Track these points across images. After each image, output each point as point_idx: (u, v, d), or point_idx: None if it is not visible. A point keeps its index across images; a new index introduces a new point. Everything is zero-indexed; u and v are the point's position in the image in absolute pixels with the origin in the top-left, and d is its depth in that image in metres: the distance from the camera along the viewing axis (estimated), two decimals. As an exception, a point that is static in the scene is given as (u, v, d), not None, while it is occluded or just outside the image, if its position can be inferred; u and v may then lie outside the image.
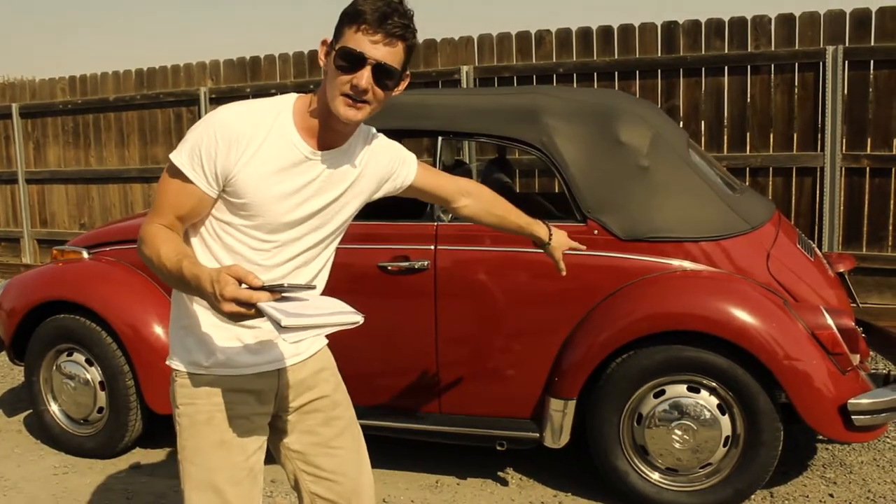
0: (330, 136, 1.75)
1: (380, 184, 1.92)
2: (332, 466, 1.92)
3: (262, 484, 1.86)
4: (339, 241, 1.92)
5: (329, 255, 1.90)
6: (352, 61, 1.64)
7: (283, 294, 1.46)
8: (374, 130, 1.91)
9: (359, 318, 1.47)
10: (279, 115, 1.73)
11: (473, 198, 2.10)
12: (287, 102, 1.76)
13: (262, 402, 1.83)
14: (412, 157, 1.99)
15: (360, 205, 1.89)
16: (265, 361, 1.82)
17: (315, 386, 1.91)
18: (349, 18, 1.65)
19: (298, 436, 1.91)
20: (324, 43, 1.71)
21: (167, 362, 1.85)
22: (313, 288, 1.46)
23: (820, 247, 5.37)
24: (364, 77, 1.63)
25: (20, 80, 9.97)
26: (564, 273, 2.28)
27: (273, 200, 1.71)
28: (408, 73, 1.76)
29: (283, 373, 1.86)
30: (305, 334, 1.41)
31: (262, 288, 1.44)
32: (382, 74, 1.65)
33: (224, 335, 1.77)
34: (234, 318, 1.45)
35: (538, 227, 2.24)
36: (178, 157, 1.69)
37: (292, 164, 1.71)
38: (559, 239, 2.29)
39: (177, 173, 1.69)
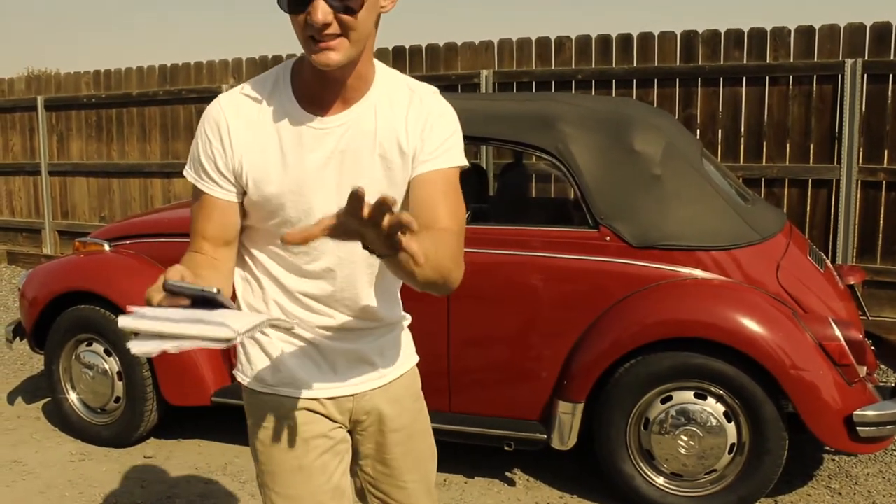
0: (332, 95, 1.47)
1: (405, 157, 1.51)
2: (401, 498, 1.74)
3: (351, 498, 1.69)
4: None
5: None
6: None
7: (195, 296, 1.23)
8: (428, 91, 1.56)
9: (230, 336, 1.16)
10: (276, 85, 1.51)
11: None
12: (285, 70, 1.52)
13: (336, 421, 1.63)
14: (451, 154, 1.53)
15: (402, 180, 1.52)
16: (341, 385, 1.61)
17: (395, 415, 1.68)
18: None
19: (372, 462, 1.71)
20: None
21: (234, 372, 1.68)
22: (213, 292, 1.21)
23: (834, 259, 5.38)
24: (319, 9, 1.32)
25: (45, 74, 10.12)
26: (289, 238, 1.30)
27: (288, 187, 1.48)
28: None
29: (360, 398, 1.64)
30: (151, 345, 1.16)
31: (166, 286, 1.23)
32: None
33: (293, 351, 1.59)
34: None
35: None
36: (187, 170, 1.56)
37: (299, 141, 1.48)
38: None
39: (193, 190, 1.55)
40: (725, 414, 3.05)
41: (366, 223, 1.11)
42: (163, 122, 7.96)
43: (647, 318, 3.07)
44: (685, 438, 3.07)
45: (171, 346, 1.17)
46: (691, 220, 3.16)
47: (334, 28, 1.35)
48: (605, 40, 5.97)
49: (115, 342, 3.78)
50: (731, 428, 3.05)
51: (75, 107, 8.51)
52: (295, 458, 1.59)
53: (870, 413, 2.97)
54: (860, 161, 5.32)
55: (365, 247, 1.19)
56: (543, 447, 3.25)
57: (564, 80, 6.06)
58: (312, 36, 1.36)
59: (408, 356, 1.73)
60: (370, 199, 1.38)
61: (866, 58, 5.25)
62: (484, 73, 6.30)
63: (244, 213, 1.55)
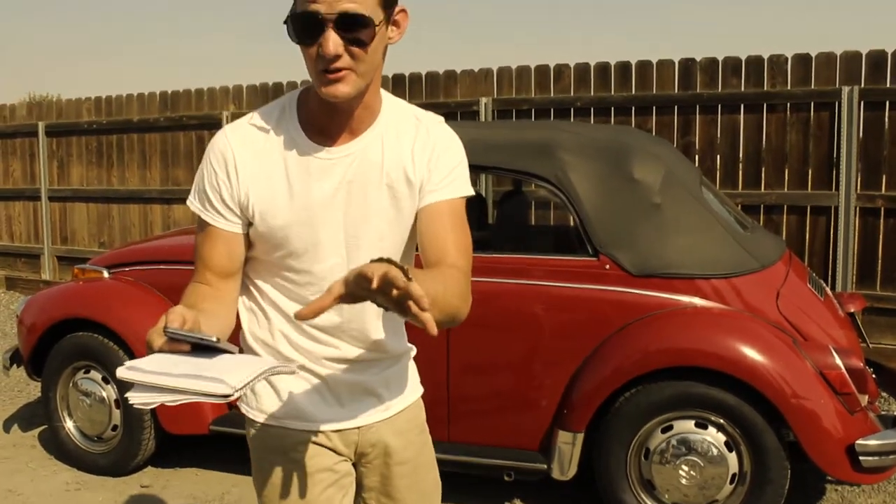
0: (339, 126, 1.48)
1: (413, 187, 1.51)
2: None
3: None
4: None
5: None
6: (309, 27, 1.35)
7: (195, 343, 1.23)
8: (434, 121, 1.57)
9: (227, 392, 1.16)
10: (282, 116, 1.51)
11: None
12: (291, 100, 1.53)
13: (341, 454, 1.62)
14: (457, 184, 1.53)
15: (410, 210, 1.53)
16: (347, 417, 1.59)
17: (400, 448, 1.66)
18: None
19: (376, 495, 1.69)
20: (285, 24, 1.41)
21: (238, 403, 1.61)
22: (212, 340, 1.22)
23: (833, 286, 5.37)
24: (329, 40, 1.33)
25: (47, 100, 10.17)
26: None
27: (295, 218, 1.48)
28: (401, 8, 1.44)
29: (366, 431, 1.62)
30: (148, 396, 1.17)
31: (166, 332, 1.23)
32: (350, 27, 1.34)
33: (298, 383, 1.58)
34: None
35: None
36: (191, 200, 1.54)
37: (306, 172, 1.47)
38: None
39: (197, 220, 1.55)
40: (726, 443, 3.04)
41: (375, 293, 1.12)
42: (163, 148, 7.99)
43: (647, 347, 3.07)
44: (686, 468, 3.05)
45: (168, 399, 1.16)
46: (691, 248, 3.16)
47: (345, 60, 1.36)
48: (603, 68, 6.01)
49: (113, 370, 3.76)
50: (732, 457, 3.03)
51: (76, 133, 8.54)
52: (299, 492, 1.58)
53: (872, 442, 2.96)
54: (858, 188, 5.33)
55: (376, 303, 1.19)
56: (543, 477, 3.23)
57: (563, 107, 6.09)
58: (323, 69, 1.37)
59: (413, 388, 1.72)
60: (376, 229, 1.47)
61: (863, 85, 5.28)
62: (483, 100, 6.33)
63: (249, 245, 1.54)
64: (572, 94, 6.10)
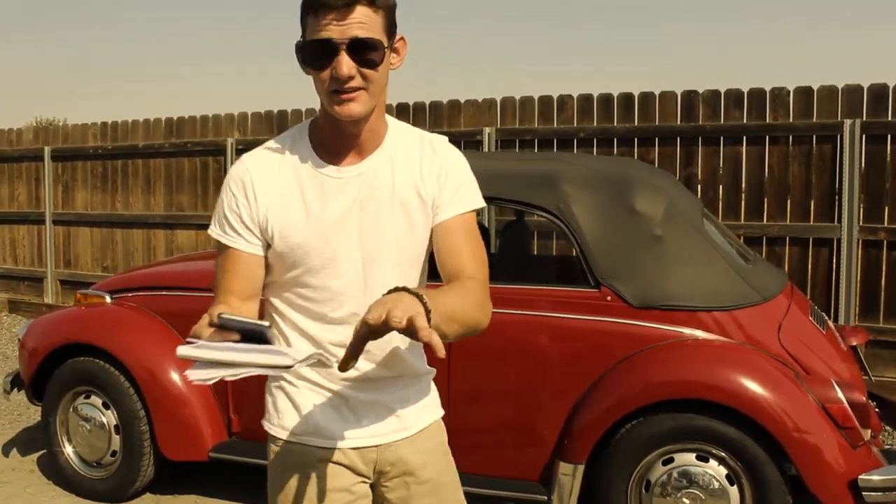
0: (348, 147, 1.57)
1: (425, 203, 1.59)
2: None
3: None
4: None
5: None
6: (322, 52, 1.45)
7: (246, 330, 1.29)
8: (439, 141, 1.66)
9: (289, 363, 1.24)
10: (294, 142, 1.59)
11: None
12: (302, 128, 1.62)
13: (359, 473, 1.64)
14: (467, 198, 1.62)
15: (423, 226, 1.60)
16: (366, 435, 1.62)
17: (421, 466, 1.67)
18: (304, 8, 1.47)
19: None
20: (296, 51, 1.51)
21: (262, 421, 1.68)
22: (266, 326, 1.29)
23: (836, 319, 5.37)
24: (343, 63, 1.43)
25: (53, 124, 10.23)
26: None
27: (312, 236, 1.54)
28: (400, 36, 1.54)
29: (385, 449, 1.64)
30: (209, 372, 1.23)
31: (220, 318, 1.30)
32: (361, 51, 1.44)
33: (320, 401, 1.61)
34: None
35: None
36: (212, 229, 1.60)
37: (321, 192, 1.55)
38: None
39: (217, 245, 1.60)
40: (728, 477, 3.02)
41: (389, 330, 1.23)
42: (167, 173, 8.04)
43: (648, 379, 3.06)
44: (687, 501, 3.03)
45: (228, 374, 1.22)
46: (692, 280, 3.17)
47: (356, 81, 1.45)
48: (606, 99, 6.06)
49: (114, 395, 3.76)
50: (733, 491, 3.01)
51: (81, 157, 8.60)
52: None
53: (875, 478, 2.93)
54: (861, 220, 5.35)
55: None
56: (544, 508, 3.21)
57: (566, 137, 6.13)
58: (336, 89, 1.46)
59: (433, 408, 1.74)
60: (391, 245, 1.56)
61: (864, 118, 5.31)
62: (487, 130, 6.37)
63: (268, 268, 1.60)
64: (575, 124, 6.14)
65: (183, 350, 1.24)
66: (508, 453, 3.27)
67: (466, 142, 6.42)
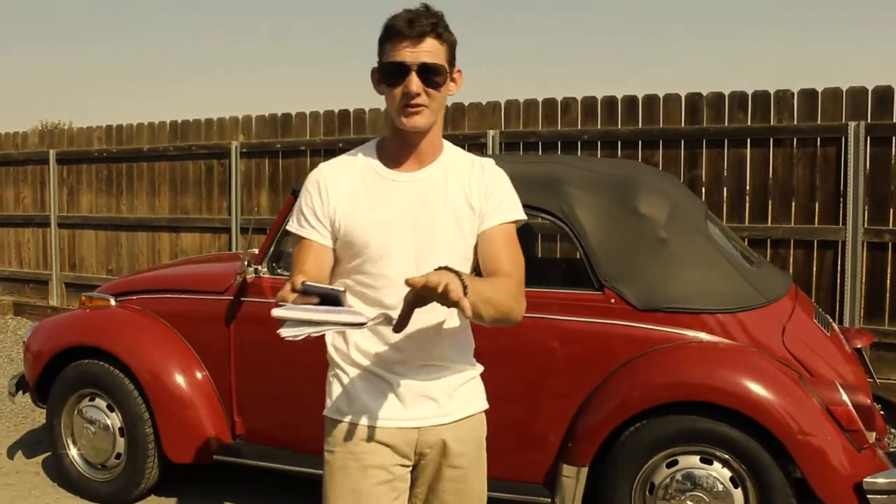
0: (410, 156, 1.85)
1: (473, 211, 1.85)
2: None
3: None
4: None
5: None
6: (396, 73, 1.75)
7: (325, 295, 1.52)
8: (487, 162, 1.93)
9: (363, 321, 1.50)
10: (364, 153, 1.89)
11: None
12: (373, 142, 1.92)
13: (401, 454, 1.85)
14: (510, 209, 1.89)
15: (470, 230, 1.85)
16: (407, 417, 1.84)
17: (455, 454, 1.89)
18: (384, 37, 1.78)
19: (426, 491, 1.92)
20: (373, 72, 1.83)
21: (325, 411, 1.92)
22: (341, 291, 1.52)
23: (841, 321, 5.35)
24: (413, 82, 1.74)
25: (58, 128, 10.25)
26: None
27: (369, 227, 1.80)
28: (458, 69, 1.84)
29: (425, 432, 1.86)
30: (298, 330, 1.47)
31: (303, 285, 1.53)
32: (428, 74, 1.74)
33: (366, 385, 1.85)
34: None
35: None
36: (291, 224, 1.87)
37: (382, 192, 1.83)
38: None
39: (295, 240, 1.87)
40: (732, 479, 3.01)
41: (436, 296, 1.49)
42: (172, 177, 8.05)
43: (652, 382, 3.05)
44: (691, 504, 3.03)
45: (314, 331, 1.47)
46: (696, 283, 3.16)
47: (422, 98, 1.75)
48: (610, 102, 6.05)
49: (118, 398, 3.77)
50: (737, 494, 3.01)
51: (86, 161, 8.62)
52: (352, 482, 1.82)
53: (880, 480, 2.92)
54: (865, 222, 5.34)
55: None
56: (548, 511, 3.20)
57: (570, 140, 6.13)
58: (405, 104, 1.75)
59: (474, 402, 1.96)
60: (441, 241, 1.81)
61: (869, 120, 5.30)
62: (491, 133, 6.37)
63: (336, 260, 1.85)
64: (579, 127, 6.14)
65: (277, 311, 1.46)
66: (512, 455, 3.27)
67: (470, 144, 6.42)
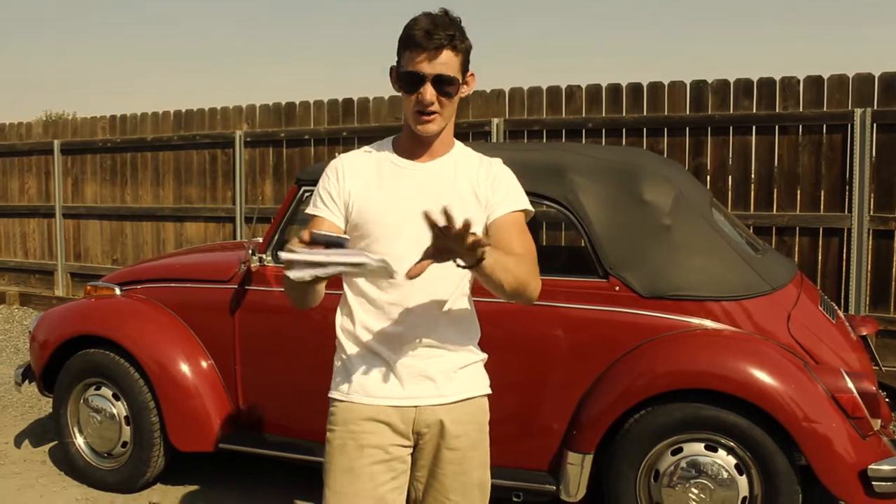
0: (423, 150, 1.97)
1: (479, 201, 1.96)
2: None
3: None
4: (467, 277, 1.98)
5: (456, 280, 1.94)
6: (412, 82, 1.87)
7: (331, 242, 1.61)
8: (495, 160, 2.04)
9: (364, 261, 1.57)
10: (381, 146, 2.03)
11: None
12: (389, 138, 2.06)
13: (399, 433, 1.91)
14: (517, 200, 2.00)
15: (475, 217, 1.86)
16: (405, 396, 1.91)
17: (453, 435, 1.95)
18: (402, 44, 1.89)
19: (426, 474, 1.97)
20: (391, 71, 1.95)
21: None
22: (346, 239, 1.62)
23: (846, 308, 5.34)
24: (427, 92, 1.85)
25: (63, 118, 10.26)
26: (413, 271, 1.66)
27: (383, 210, 1.91)
28: (471, 72, 1.95)
29: (422, 411, 1.92)
30: (304, 272, 1.55)
31: (312, 234, 1.63)
32: (442, 84, 1.86)
33: (365, 365, 1.93)
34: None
35: None
36: (309, 208, 1.99)
37: (394, 178, 1.95)
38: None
39: (310, 220, 1.96)
40: (737, 466, 3.01)
41: (454, 237, 1.53)
42: (176, 166, 8.05)
43: (657, 369, 3.05)
44: (696, 491, 3.03)
45: (320, 272, 1.55)
46: (701, 270, 3.16)
47: (435, 106, 1.87)
48: (615, 89, 6.03)
49: (124, 386, 3.78)
50: (742, 481, 3.01)
51: (91, 151, 8.63)
52: (348, 460, 1.89)
53: (885, 467, 2.92)
54: (871, 210, 5.32)
55: (457, 265, 1.64)
56: (552, 499, 3.21)
57: (575, 128, 6.11)
58: (419, 111, 1.88)
59: (474, 385, 2.02)
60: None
61: (875, 107, 5.27)
62: (495, 121, 6.35)
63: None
64: (584, 115, 6.12)
65: (284, 254, 1.55)
66: (517, 443, 3.27)
67: (474, 133, 6.41)
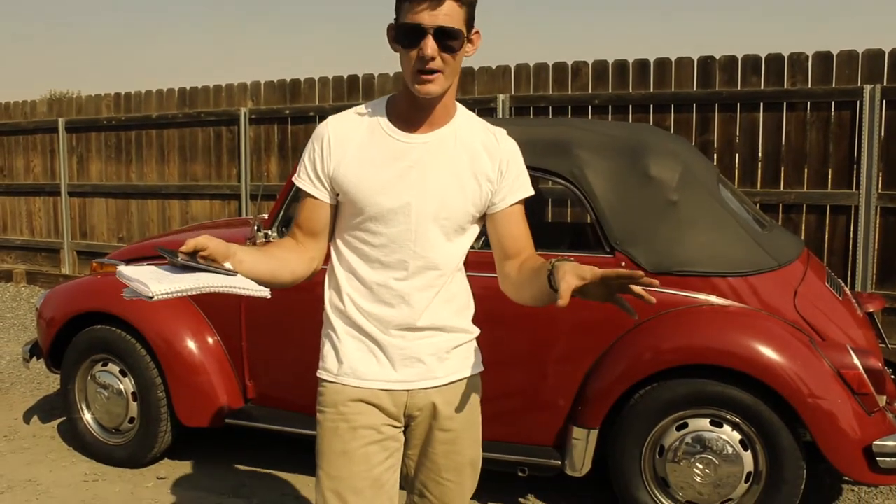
0: (421, 118, 1.79)
1: (479, 182, 1.82)
2: (437, 493, 1.94)
3: (393, 494, 1.85)
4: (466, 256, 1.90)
5: (453, 258, 1.85)
6: (412, 35, 1.68)
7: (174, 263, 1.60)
8: (500, 131, 1.89)
9: (151, 294, 1.51)
10: (374, 111, 1.83)
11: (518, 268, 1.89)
12: (384, 99, 1.86)
13: (390, 416, 1.84)
14: (523, 186, 1.90)
15: (472, 198, 1.81)
16: (396, 379, 1.82)
17: (445, 417, 1.88)
18: None
19: (418, 453, 1.92)
20: (389, 29, 1.76)
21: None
22: (233, 271, 1.62)
23: (853, 286, 5.33)
24: (429, 46, 1.66)
25: (67, 96, 10.24)
26: (562, 303, 1.59)
27: (372, 185, 1.76)
28: (476, 30, 1.76)
29: (414, 394, 1.84)
30: (134, 292, 1.56)
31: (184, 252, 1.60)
32: (445, 38, 1.67)
33: (355, 346, 1.83)
34: None
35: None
36: (296, 176, 1.86)
37: (389, 152, 1.78)
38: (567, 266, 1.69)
39: (298, 191, 1.87)
40: (742, 442, 3.02)
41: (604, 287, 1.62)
42: (181, 144, 8.04)
43: (662, 345, 3.05)
44: (701, 466, 3.04)
45: (177, 290, 1.52)
46: (707, 246, 3.14)
47: (437, 63, 1.68)
48: (621, 66, 5.99)
49: (131, 363, 3.80)
50: (747, 456, 3.02)
51: (95, 129, 8.62)
52: (342, 443, 1.81)
53: (890, 444, 2.93)
54: (879, 187, 5.29)
55: (550, 285, 1.69)
56: (557, 473, 3.22)
57: (581, 104, 6.08)
58: (419, 70, 1.69)
59: (467, 365, 1.93)
60: (439, 204, 1.77)
61: (885, 84, 5.23)
62: (501, 97, 6.32)
63: (338, 215, 1.85)
64: (590, 91, 6.08)
65: (122, 269, 1.59)
66: (522, 418, 3.28)
67: (480, 109, 6.38)
